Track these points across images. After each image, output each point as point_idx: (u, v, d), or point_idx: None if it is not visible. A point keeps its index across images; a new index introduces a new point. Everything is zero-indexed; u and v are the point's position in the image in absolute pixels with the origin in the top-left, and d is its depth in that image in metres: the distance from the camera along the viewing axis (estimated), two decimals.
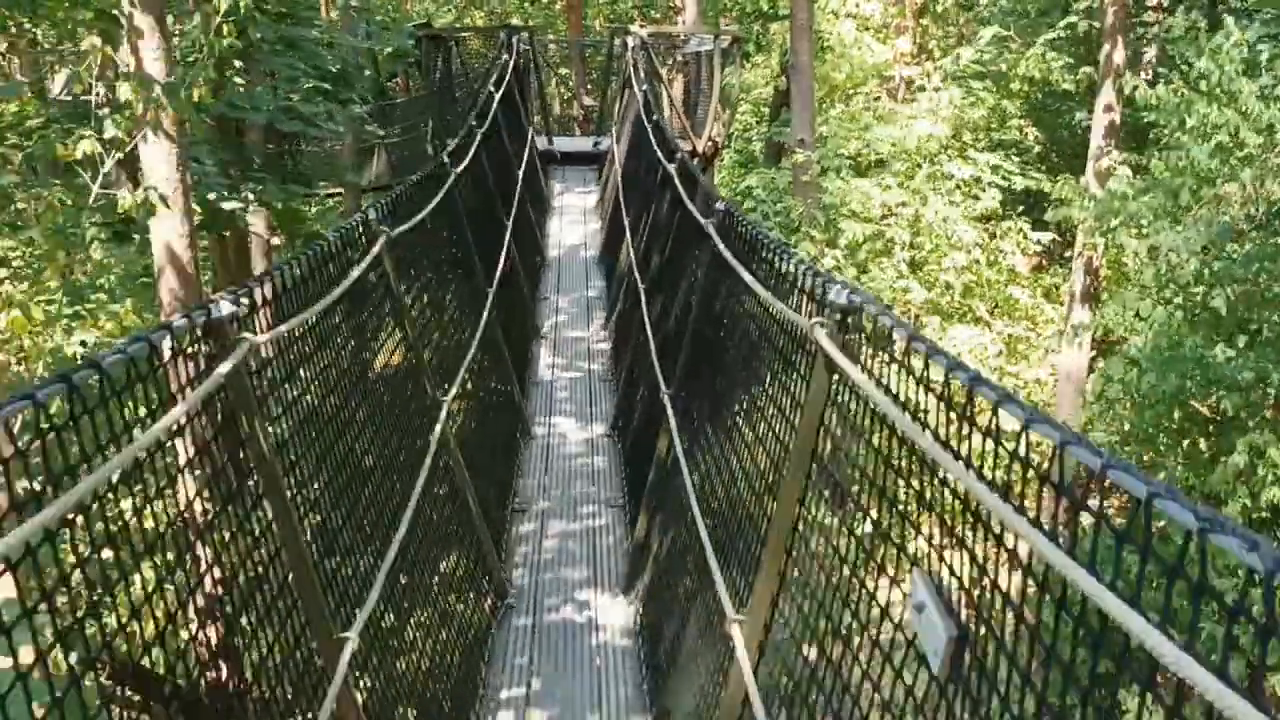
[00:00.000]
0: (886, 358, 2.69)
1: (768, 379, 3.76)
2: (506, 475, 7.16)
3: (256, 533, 2.79)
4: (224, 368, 2.56)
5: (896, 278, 13.64)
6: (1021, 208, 16.12)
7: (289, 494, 3.00)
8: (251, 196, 11.25)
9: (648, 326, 7.06)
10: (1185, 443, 10.95)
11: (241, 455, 2.78)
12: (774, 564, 3.02)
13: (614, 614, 5.56)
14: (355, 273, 4.09)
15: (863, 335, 2.90)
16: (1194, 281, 10.38)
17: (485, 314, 7.25)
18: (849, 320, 2.93)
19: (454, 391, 5.46)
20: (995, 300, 14.96)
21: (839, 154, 15.67)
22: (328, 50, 12.92)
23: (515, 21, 23.94)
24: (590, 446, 7.79)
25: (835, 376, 2.99)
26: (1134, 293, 11.28)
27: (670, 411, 5.43)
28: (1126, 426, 11.73)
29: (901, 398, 2.50)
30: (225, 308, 2.66)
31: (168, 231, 9.00)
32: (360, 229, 4.75)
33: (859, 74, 18.12)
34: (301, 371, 3.44)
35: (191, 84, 8.48)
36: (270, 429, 3.18)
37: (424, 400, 5.16)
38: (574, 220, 14.39)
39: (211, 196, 9.85)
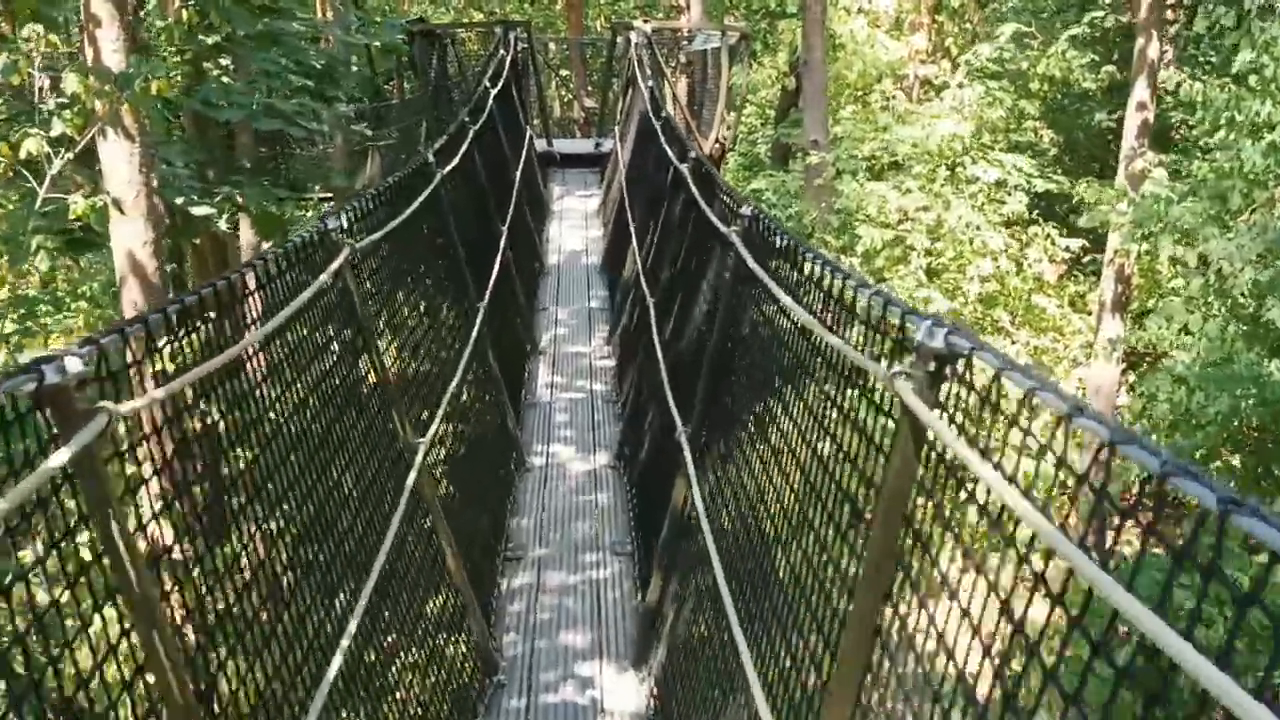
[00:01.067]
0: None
1: (819, 435, 2.94)
2: (498, 514, 6.34)
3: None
4: (60, 457, 1.74)
5: (916, 286, 12.82)
6: (1036, 211, 15.31)
7: (179, 613, 2.19)
8: (233, 200, 10.47)
9: (658, 348, 6.25)
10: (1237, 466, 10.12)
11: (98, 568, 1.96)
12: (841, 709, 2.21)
13: (623, 694, 4.73)
14: (296, 303, 3.28)
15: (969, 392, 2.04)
16: (1246, 293, 9.57)
17: (475, 332, 6.44)
18: (945, 370, 2.09)
19: (432, 432, 4.64)
20: (1019, 310, 14.14)
21: (854, 155, 14.86)
22: (313, 45, 12.12)
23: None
24: (593, 480, 6.96)
25: (927, 450, 2.16)
26: (1179, 303, 10.46)
27: (688, 454, 4.61)
28: (1173, 449, 10.91)
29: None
30: (71, 366, 1.85)
31: (129, 238, 8.21)
32: (317, 241, 3.95)
33: (873, 72, 17.32)
34: (211, 435, 2.62)
35: (151, 76, 7.70)
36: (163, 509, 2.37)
37: (395, 446, 4.34)
38: (574, 225, 13.59)
39: (180, 200, 9.05)
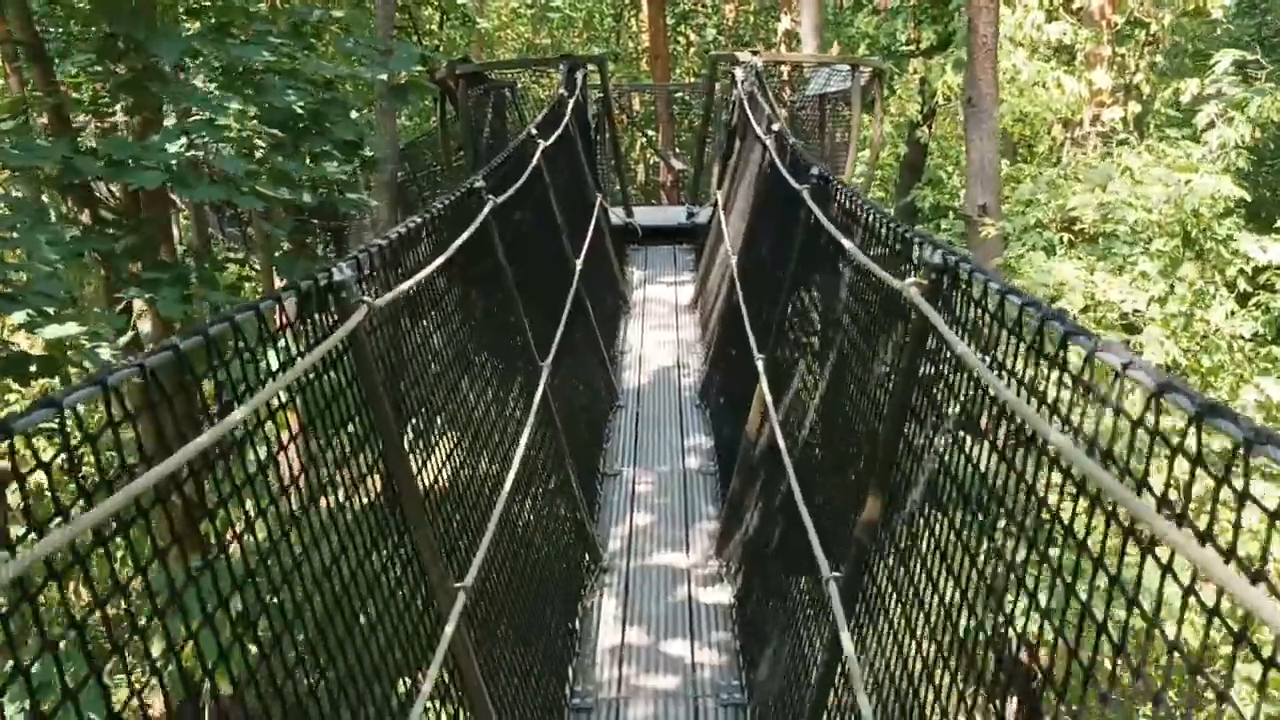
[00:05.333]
0: None
1: None
2: None
3: None
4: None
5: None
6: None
7: None
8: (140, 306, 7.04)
9: (848, 651, 2.48)
10: None
11: None
12: None
13: None
14: None
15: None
16: None
17: (444, 643, 2.73)
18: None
19: None
20: None
21: (1036, 226, 10.96)
22: (325, 88, 8.68)
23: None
24: None
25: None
26: None
27: None
28: None
29: None
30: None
31: None
32: None
33: (1047, 117, 13.45)
34: None
35: None
36: None
37: None
38: (660, 325, 9.88)
39: (20, 317, 5.58)
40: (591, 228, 8.63)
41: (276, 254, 8.28)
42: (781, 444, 4.35)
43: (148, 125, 7.98)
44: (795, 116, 14.58)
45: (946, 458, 2.58)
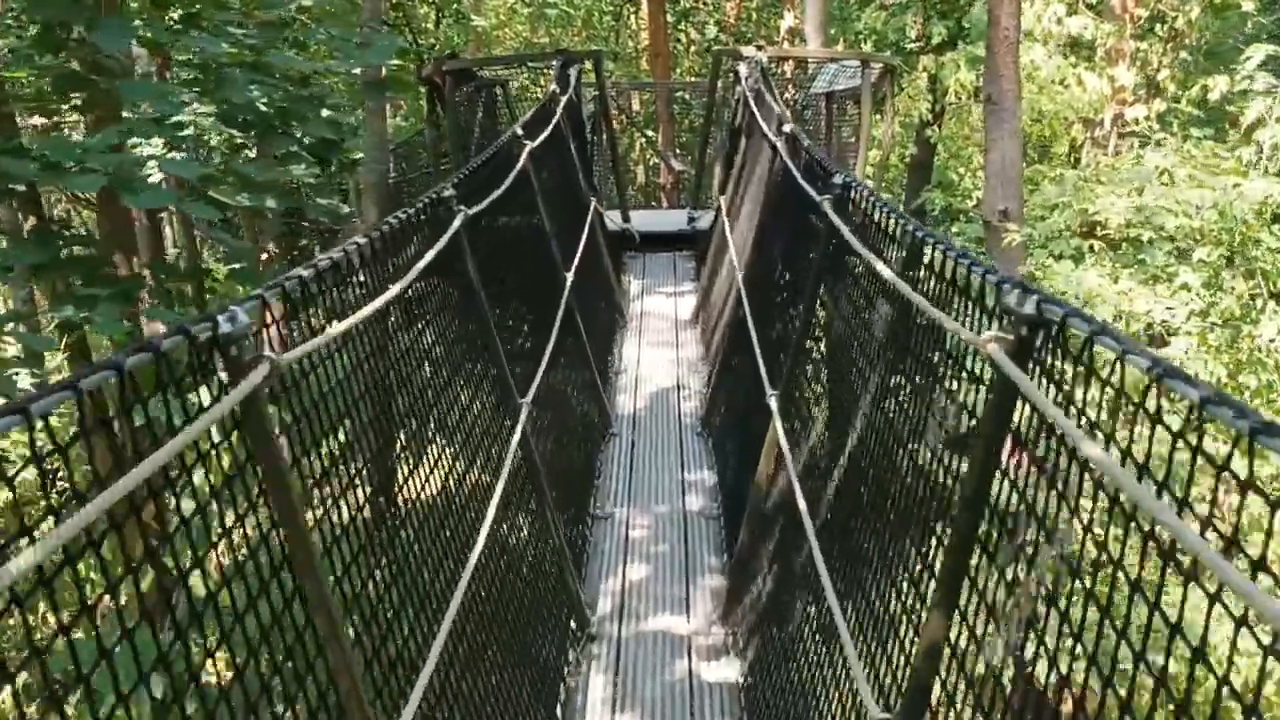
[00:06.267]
0: None
1: None
2: None
3: None
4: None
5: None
6: None
7: None
8: (77, 326, 6.31)
9: None
10: None
11: None
12: None
13: None
14: None
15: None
16: None
17: None
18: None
19: None
20: None
21: (1065, 232, 10.23)
22: (281, 81, 7.94)
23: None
24: None
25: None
26: None
27: None
28: None
29: None
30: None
31: None
32: None
33: (1068, 116, 12.73)
34: None
35: None
36: None
37: None
38: (659, 342, 9.15)
39: None
40: (585, 235, 7.91)
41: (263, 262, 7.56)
42: (802, 506, 3.63)
43: (101, 124, 7.26)
44: (799, 116, 13.86)
45: (1058, 586, 1.86)
